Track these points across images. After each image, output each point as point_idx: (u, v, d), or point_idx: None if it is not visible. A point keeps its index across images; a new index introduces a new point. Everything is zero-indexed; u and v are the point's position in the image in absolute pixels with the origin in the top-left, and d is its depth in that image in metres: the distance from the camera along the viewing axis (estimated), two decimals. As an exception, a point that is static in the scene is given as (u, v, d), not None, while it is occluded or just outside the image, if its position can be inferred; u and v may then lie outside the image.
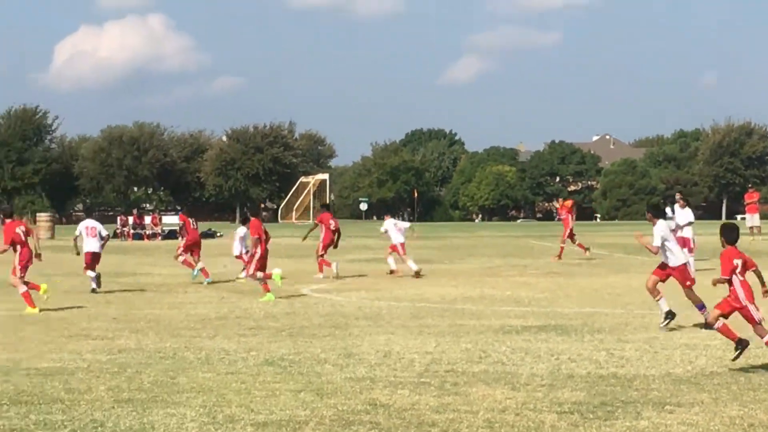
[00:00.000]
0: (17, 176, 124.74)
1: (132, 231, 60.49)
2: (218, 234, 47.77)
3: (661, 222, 18.34)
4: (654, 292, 17.86)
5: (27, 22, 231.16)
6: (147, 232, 60.53)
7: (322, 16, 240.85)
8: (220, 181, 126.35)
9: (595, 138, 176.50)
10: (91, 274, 25.88)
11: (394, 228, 31.60)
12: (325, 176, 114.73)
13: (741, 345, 13.26)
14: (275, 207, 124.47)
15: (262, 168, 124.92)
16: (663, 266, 18.00)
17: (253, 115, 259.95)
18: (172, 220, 63.04)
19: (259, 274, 23.84)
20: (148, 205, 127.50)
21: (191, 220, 30.51)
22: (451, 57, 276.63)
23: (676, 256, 18.10)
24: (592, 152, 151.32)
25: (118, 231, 60.39)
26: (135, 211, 67.77)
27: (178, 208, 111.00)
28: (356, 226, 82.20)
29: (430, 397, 11.50)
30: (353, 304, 22.26)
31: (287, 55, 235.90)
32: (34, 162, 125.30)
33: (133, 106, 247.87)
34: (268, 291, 23.52)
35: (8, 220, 21.91)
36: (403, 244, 31.28)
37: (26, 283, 21.27)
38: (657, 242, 17.91)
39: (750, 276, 13.54)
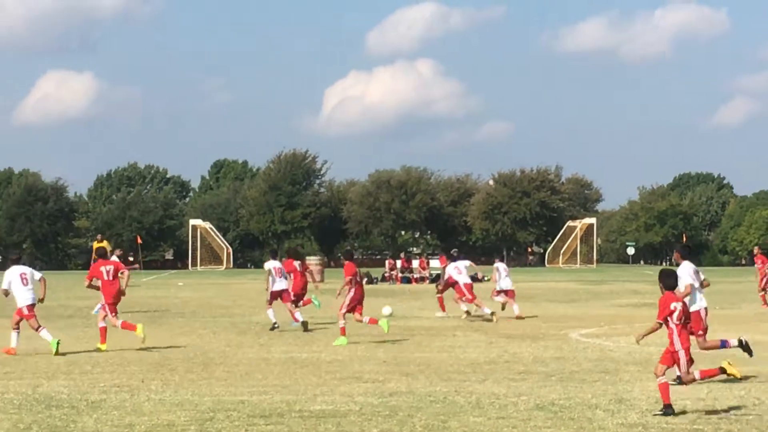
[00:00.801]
0: (287, 220, 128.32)
1: (400, 275, 61.28)
2: (485, 278, 48.20)
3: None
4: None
5: (299, 68, 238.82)
6: (415, 276, 61.24)
7: (588, 60, 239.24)
8: (487, 225, 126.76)
9: None
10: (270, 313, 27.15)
11: (455, 271, 31.15)
12: (592, 220, 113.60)
13: (666, 410, 13.30)
14: (541, 251, 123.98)
15: (529, 212, 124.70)
16: None
17: (520, 159, 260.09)
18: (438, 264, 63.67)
19: (341, 321, 23.70)
20: (415, 249, 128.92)
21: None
22: (720, 100, 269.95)
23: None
24: None
25: (386, 275, 61.33)
26: (402, 255, 68.70)
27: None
28: (623, 270, 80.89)
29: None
30: (623, 349, 21.82)
31: (553, 100, 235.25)
32: (303, 206, 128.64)
33: (401, 151, 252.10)
34: (344, 335, 23.41)
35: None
36: (469, 285, 30.85)
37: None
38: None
39: None
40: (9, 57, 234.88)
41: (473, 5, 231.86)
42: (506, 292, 31.74)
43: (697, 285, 18.07)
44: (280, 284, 27.79)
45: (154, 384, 16.13)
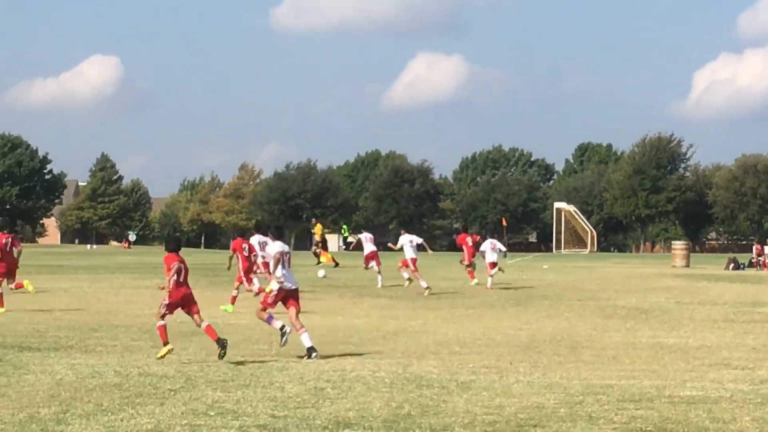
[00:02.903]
0: (651, 204, 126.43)
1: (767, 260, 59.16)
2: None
3: None
4: None
5: (666, 51, 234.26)
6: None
7: None
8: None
9: None
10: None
11: (408, 244, 35.07)
12: None
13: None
14: None
15: None
16: None
17: None
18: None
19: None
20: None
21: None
22: None
23: None
24: None
25: (753, 260, 59.44)
26: (770, 241, 66.29)
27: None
28: None
29: None
30: None
31: None
32: (668, 190, 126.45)
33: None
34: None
35: None
36: (414, 260, 34.79)
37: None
38: None
39: None
40: (382, 40, 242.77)
41: None
42: (490, 265, 36.58)
43: None
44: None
45: (523, 366, 16.31)
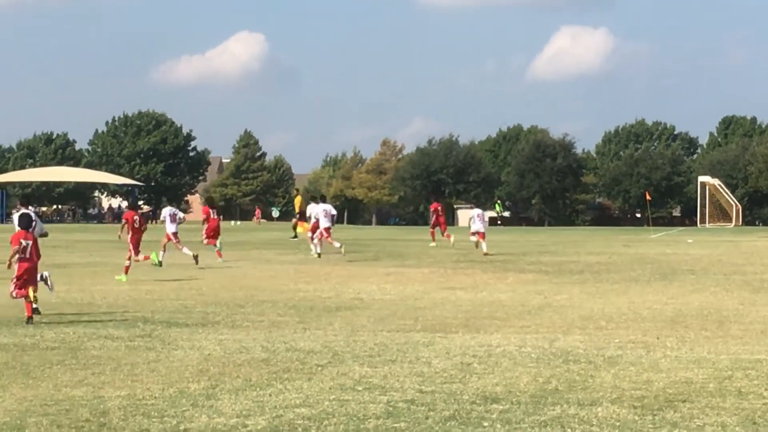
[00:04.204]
0: None
1: None
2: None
3: None
4: None
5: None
6: None
7: None
8: None
9: None
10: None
11: (323, 214, 38.50)
12: None
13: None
14: None
15: None
16: None
17: None
18: None
19: None
20: None
21: None
22: None
23: None
24: None
25: None
26: None
27: None
28: None
29: None
30: None
31: None
32: None
33: None
34: None
35: None
36: (328, 229, 38.41)
37: None
38: None
39: None
40: (527, 12, 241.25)
41: None
42: (478, 234, 40.41)
43: None
44: (171, 227, 33.90)
45: (670, 341, 16.08)
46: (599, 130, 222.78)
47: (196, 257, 32.17)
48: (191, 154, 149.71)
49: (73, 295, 23.09)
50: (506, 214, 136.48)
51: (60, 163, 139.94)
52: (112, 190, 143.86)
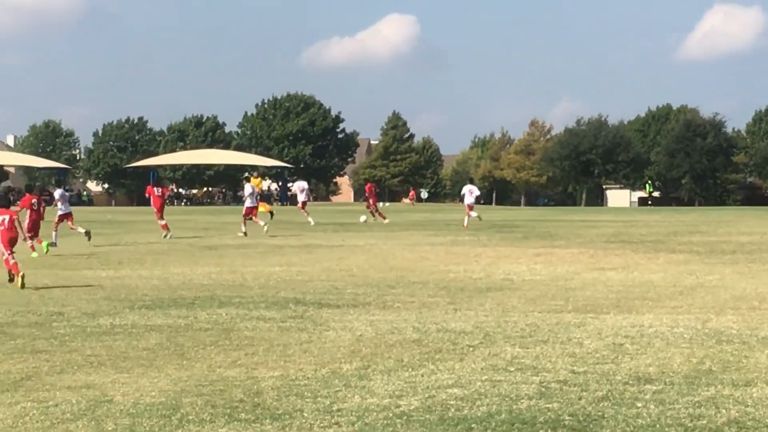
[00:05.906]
0: None
1: None
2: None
3: None
4: None
5: None
6: None
7: None
8: None
9: None
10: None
11: (252, 194, 40.53)
12: None
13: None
14: None
15: None
16: None
17: None
18: None
19: None
20: None
21: None
22: None
23: None
24: None
25: None
26: None
27: None
28: None
29: None
30: None
31: None
32: None
33: None
34: None
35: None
36: (254, 208, 40.67)
37: None
38: None
39: None
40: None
41: None
42: (468, 207, 46.35)
43: None
44: (66, 208, 35.40)
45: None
46: (750, 109, 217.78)
47: (88, 233, 34.55)
48: (340, 136, 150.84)
49: (225, 277, 23.49)
50: (656, 194, 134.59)
51: (210, 146, 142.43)
52: (261, 173, 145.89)
